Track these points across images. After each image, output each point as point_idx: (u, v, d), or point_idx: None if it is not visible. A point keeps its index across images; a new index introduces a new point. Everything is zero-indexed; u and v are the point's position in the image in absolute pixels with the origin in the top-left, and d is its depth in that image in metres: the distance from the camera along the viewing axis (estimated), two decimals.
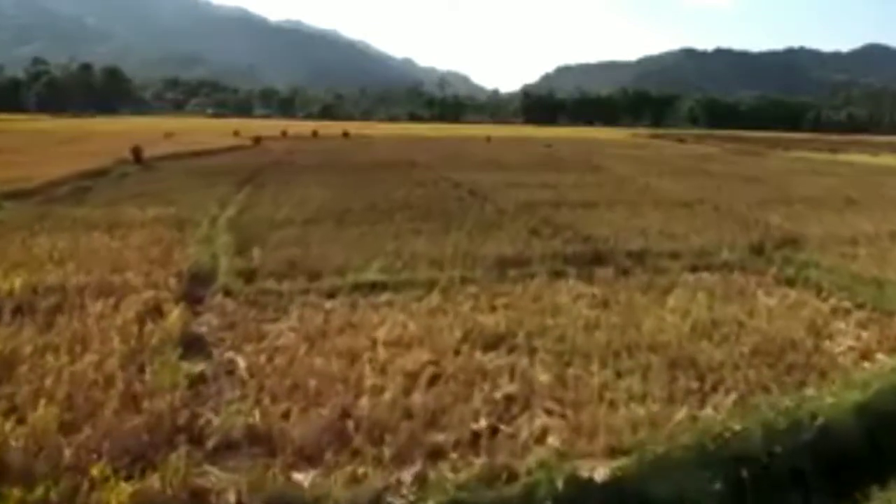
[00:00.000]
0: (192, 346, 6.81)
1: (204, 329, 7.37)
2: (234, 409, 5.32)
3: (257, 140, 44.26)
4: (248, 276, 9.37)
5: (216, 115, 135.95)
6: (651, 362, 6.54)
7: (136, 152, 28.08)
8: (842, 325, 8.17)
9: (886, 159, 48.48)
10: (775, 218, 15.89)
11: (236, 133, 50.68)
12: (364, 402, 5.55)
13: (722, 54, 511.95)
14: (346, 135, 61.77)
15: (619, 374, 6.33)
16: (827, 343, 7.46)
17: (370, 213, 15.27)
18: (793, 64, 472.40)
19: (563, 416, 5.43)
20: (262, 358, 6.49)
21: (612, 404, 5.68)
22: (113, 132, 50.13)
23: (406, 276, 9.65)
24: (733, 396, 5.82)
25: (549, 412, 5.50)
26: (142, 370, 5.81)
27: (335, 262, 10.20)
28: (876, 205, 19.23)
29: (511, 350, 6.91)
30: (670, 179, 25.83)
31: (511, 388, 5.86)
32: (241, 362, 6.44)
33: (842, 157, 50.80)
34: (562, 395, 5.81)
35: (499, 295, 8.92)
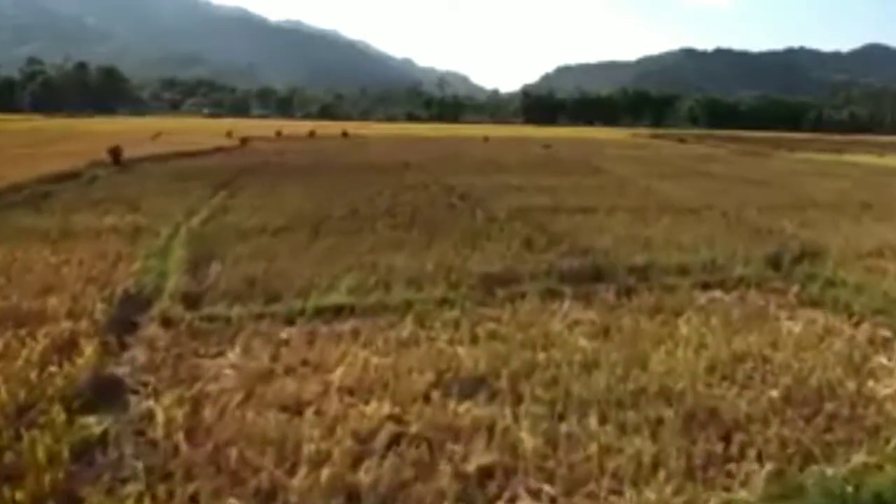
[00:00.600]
0: (106, 392, 5.61)
1: (125, 370, 6.16)
2: (125, 494, 4.12)
3: (244, 141, 42.95)
4: (196, 298, 8.16)
5: (212, 115, 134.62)
6: (662, 415, 5.34)
7: (115, 153, 26.84)
8: (883, 359, 6.96)
9: (893, 160, 47.27)
10: (789, 226, 14.70)
11: (229, 134, 49.44)
12: (298, 478, 4.35)
13: (722, 54, 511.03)
14: (345, 135, 60.54)
15: (622, 431, 5.13)
16: (870, 384, 6.26)
17: (350, 220, 14.07)
18: (793, 64, 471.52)
19: (552, 501, 4.23)
20: (185, 410, 5.29)
21: (616, 478, 4.48)
22: (100, 132, 48.88)
23: (378, 297, 8.45)
24: (769, 467, 4.61)
25: (534, 494, 4.29)
26: (19, 437, 4.60)
27: (300, 279, 9.01)
28: (893, 210, 18.02)
29: (492, 397, 5.71)
30: (673, 182, 24.64)
31: (487, 457, 4.66)
32: (160, 416, 5.24)
33: (847, 157, 49.60)
34: (552, 465, 4.61)
35: (483, 321, 7.72)
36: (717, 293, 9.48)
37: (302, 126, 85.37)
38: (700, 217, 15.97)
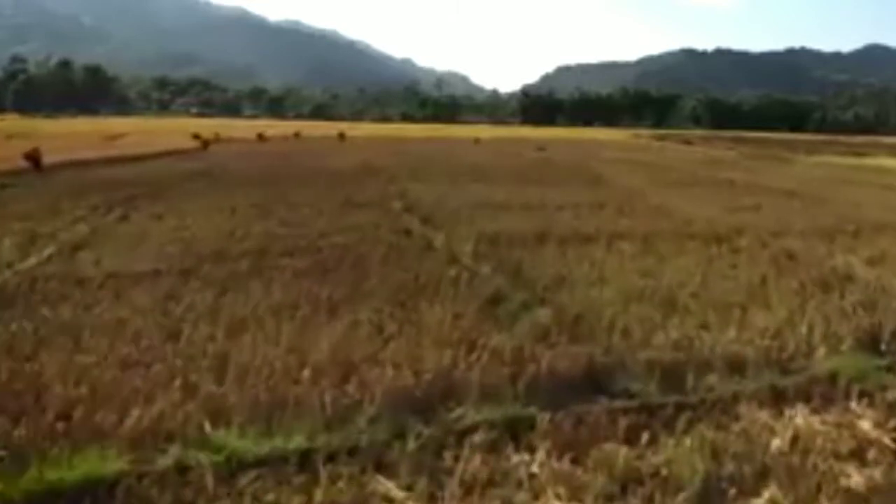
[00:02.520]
0: None
1: None
2: None
3: (205, 143, 38.93)
4: None
5: (200, 115, 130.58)
6: None
7: (34, 158, 22.96)
8: None
9: None
10: (858, 264, 10.74)
11: (195, 135, 45.40)
12: None
13: (722, 54, 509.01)
14: (342, 137, 56.69)
15: None
16: None
17: (250, 259, 10.06)
18: (793, 64, 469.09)
19: None
20: None
21: None
22: (55, 134, 44.95)
23: (175, 456, 4.44)
24: None
25: None
26: None
27: (61, 402, 5.00)
28: None
29: None
30: (687, 194, 20.73)
31: None
32: None
33: (869, 161, 45.72)
34: None
35: None
36: (802, 414, 5.50)
37: (290, 127, 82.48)
38: (733, 249, 11.98)
